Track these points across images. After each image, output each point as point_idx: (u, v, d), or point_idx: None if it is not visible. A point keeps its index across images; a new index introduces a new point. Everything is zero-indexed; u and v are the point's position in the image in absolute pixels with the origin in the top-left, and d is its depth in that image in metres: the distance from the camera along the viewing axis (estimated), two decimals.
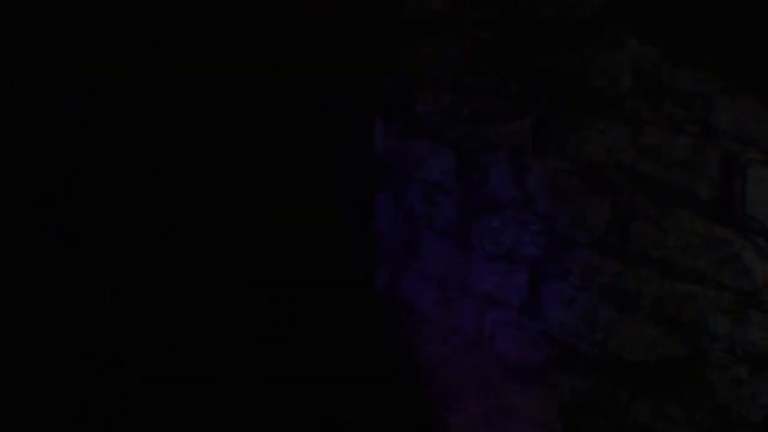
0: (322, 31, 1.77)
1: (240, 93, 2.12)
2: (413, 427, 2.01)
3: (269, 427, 2.20)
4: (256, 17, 2.07)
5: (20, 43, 1.96)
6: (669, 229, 1.55)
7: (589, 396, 1.61)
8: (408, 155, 1.69)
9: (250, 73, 2.12)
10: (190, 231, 2.14)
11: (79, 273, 2.03)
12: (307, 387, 2.21)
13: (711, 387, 1.51)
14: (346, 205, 1.93)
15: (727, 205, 1.49)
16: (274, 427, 2.20)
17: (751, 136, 1.46)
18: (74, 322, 2.03)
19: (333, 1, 1.69)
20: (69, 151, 2.02)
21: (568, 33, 1.56)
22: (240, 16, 2.11)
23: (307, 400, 2.21)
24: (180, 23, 2.10)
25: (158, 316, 2.10)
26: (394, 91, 1.73)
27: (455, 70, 1.65)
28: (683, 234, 1.54)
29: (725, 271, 1.50)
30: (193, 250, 2.14)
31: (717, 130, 1.50)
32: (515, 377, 1.66)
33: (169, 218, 2.12)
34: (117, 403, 2.06)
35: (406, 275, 1.81)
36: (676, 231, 1.54)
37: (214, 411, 2.16)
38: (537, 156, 1.59)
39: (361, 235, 1.93)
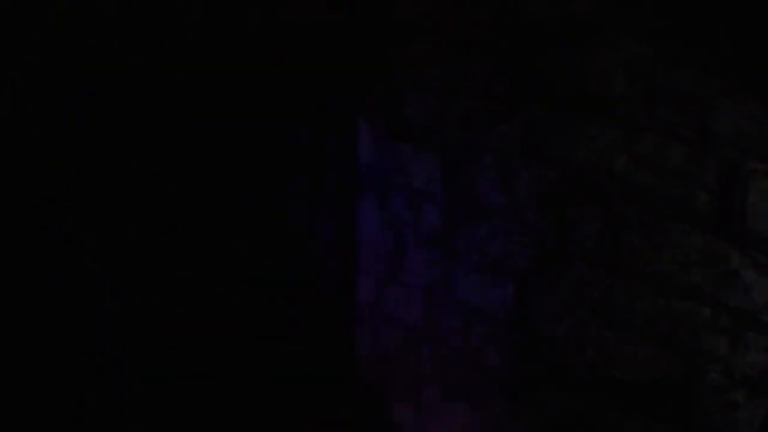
0: (306, 31, 1.71)
1: (228, 94, 2.09)
2: None
3: (269, 427, 2.18)
4: (252, 17, 2.04)
5: (20, 43, 1.97)
6: (664, 242, 1.45)
7: (578, 414, 1.53)
8: (393, 160, 1.62)
9: (239, 74, 2.08)
10: (190, 231, 2.13)
11: (79, 273, 2.04)
12: (307, 387, 2.18)
13: (705, 409, 1.42)
14: (326, 211, 1.88)
15: (727, 218, 1.39)
16: (274, 427, 2.19)
17: (753, 143, 1.36)
18: (74, 322, 2.04)
19: (319, 1, 1.63)
20: (69, 151, 2.02)
21: (562, 33, 1.48)
22: (239, 17, 2.08)
23: (307, 400, 2.18)
24: (180, 23, 2.08)
25: (158, 316, 2.10)
26: (382, 92, 1.67)
27: (445, 72, 1.58)
28: (679, 248, 1.44)
29: (723, 289, 1.40)
30: (193, 250, 2.13)
31: (716, 136, 1.39)
32: (502, 391, 1.59)
33: (169, 218, 2.11)
34: (117, 403, 2.07)
35: (392, 285, 1.74)
36: (671, 244, 1.45)
37: (214, 411, 2.15)
38: (526, 161, 1.51)
39: (342, 242, 1.88)
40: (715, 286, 1.41)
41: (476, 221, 1.55)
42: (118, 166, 2.07)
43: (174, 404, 2.12)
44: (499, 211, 1.55)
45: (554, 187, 1.51)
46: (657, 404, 1.47)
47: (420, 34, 1.57)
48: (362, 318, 1.96)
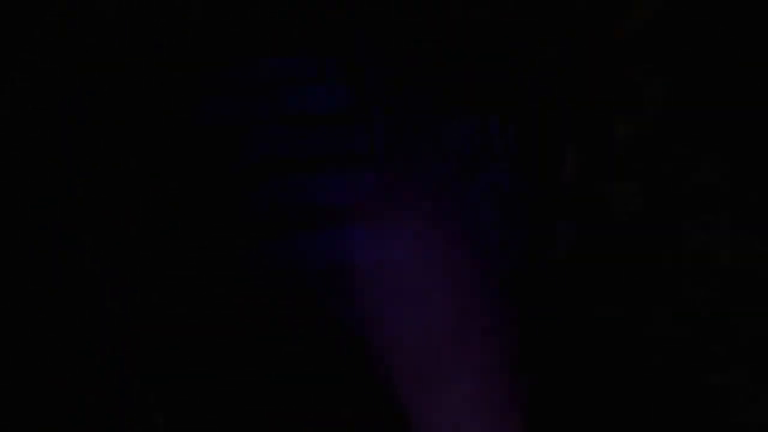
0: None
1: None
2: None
3: (269, 427, 2.19)
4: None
5: (20, 43, 1.97)
6: None
7: None
8: (594, 186, 1.53)
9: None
10: (190, 231, 2.13)
11: (79, 273, 2.04)
12: (307, 387, 2.19)
13: None
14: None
15: None
16: (274, 427, 2.19)
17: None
18: (74, 322, 2.03)
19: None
20: (69, 151, 2.02)
21: None
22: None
23: (307, 400, 2.19)
24: (180, 23, 2.09)
25: (158, 316, 2.10)
26: (592, 114, 1.52)
27: (661, 101, 1.34)
28: None
29: None
30: (193, 250, 2.13)
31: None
32: None
33: (169, 218, 2.11)
34: (117, 403, 2.07)
35: None
36: None
37: (214, 411, 2.15)
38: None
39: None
40: None
41: None
42: (118, 166, 2.07)
43: (174, 404, 2.12)
44: None
45: None
46: None
47: (634, 55, 1.35)
48: None
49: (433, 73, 1.81)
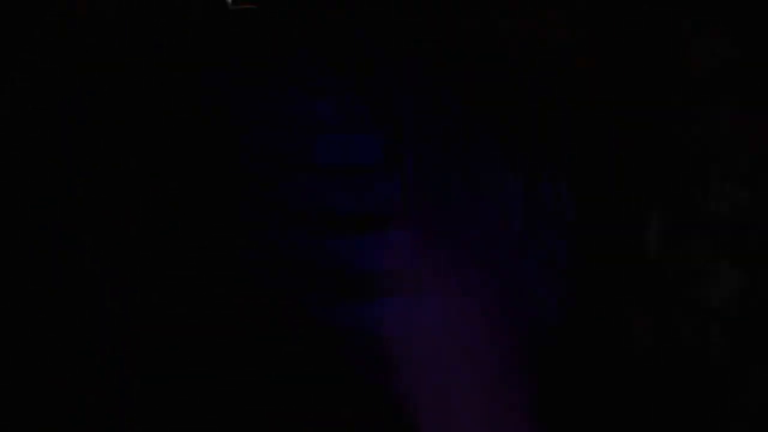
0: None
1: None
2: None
3: (269, 427, 2.19)
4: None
5: (20, 43, 1.97)
6: None
7: None
8: (682, 265, 1.21)
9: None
10: (191, 231, 2.13)
11: (79, 273, 2.04)
12: (307, 387, 2.19)
13: None
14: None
15: None
16: (274, 427, 2.19)
17: None
18: (74, 322, 2.03)
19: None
20: (69, 151, 2.02)
21: None
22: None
23: (307, 400, 2.19)
24: (180, 23, 2.09)
25: (158, 316, 2.10)
26: (673, 176, 1.22)
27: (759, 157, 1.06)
28: None
29: None
30: (194, 250, 2.13)
31: None
32: None
33: (169, 218, 2.11)
34: (117, 403, 2.06)
35: None
36: None
37: (214, 411, 2.15)
38: None
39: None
40: None
41: None
42: (118, 166, 2.07)
43: (174, 404, 2.12)
44: None
45: None
46: None
47: (714, 99, 1.09)
48: None
49: (478, 117, 1.71)
